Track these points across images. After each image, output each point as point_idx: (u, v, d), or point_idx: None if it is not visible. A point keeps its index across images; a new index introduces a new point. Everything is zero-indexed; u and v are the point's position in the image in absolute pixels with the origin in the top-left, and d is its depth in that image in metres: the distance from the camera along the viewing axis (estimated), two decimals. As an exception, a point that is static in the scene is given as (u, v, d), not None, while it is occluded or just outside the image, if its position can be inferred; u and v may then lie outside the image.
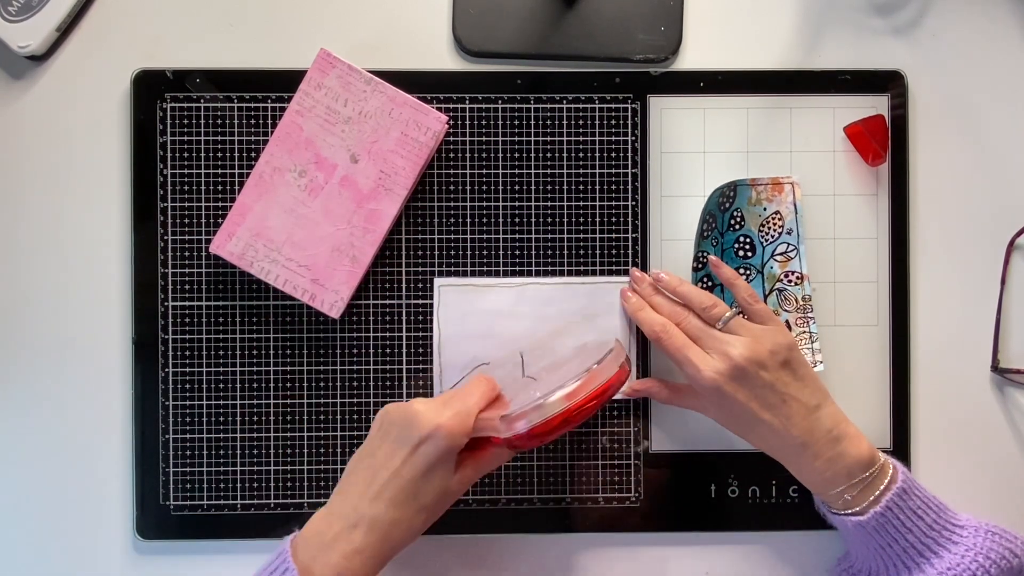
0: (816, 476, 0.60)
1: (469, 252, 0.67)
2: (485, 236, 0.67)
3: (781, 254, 0.66)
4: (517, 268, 0.67)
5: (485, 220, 0.67)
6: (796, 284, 0.66)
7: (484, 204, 0.67)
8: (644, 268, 0.67)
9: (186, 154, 0.67)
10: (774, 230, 0.66)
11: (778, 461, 0.61)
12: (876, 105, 0.68)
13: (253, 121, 0.67)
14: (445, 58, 0.68)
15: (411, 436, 0.55)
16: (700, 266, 0.66)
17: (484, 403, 0.58)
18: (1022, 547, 0.59)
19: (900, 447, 0.67)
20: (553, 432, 0.56)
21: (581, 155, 0.67)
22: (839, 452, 0.59)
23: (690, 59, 0.68)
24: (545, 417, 0.55)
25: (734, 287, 0.63)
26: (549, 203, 0.67)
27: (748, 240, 0.67)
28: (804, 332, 0.66)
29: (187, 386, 0.66)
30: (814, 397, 0.60)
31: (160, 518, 0.66)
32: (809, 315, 0.66)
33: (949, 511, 0.60)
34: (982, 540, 0.58)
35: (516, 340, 0.67)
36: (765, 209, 0.67)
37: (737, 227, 0.67)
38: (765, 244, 0.67)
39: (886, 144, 0.67)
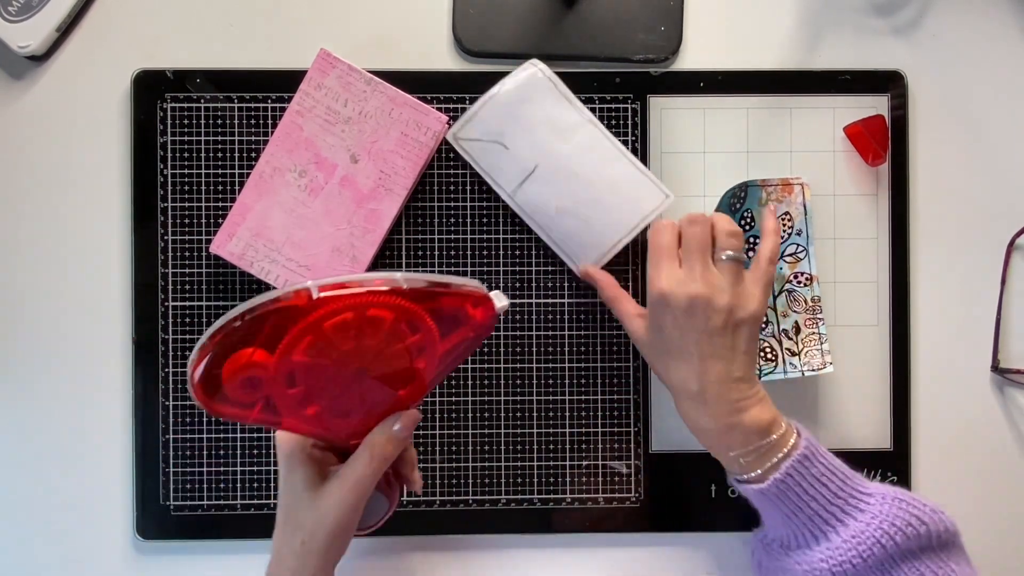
0: (710, 435, 0.58)
1: (469, 252, 0.67)
2: (485, 236, 0.67)
3: (791, 255, 0.66)
4: (517, 268, 0.67)
5: (485, 220, 0.67)
6: (805, 285, 0.66)
7: (484, 204, 0.67)
8: (644, 268, 0.67)
9: (186, 154, 0.66)
10: (784, 231, 0.66)
11: (678, 413, 0.60)
12: (876, 105, 0.68)
13: (253, 121, 0.67)
14: (445, 58, 0.68)
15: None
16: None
17: None
18: (930, 514, 0.57)
19: (900, 447, 0.67)
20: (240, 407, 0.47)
21: (581, 155, 0.67)
22: (737, 420, 0.57)
23: (690, 59, 0.68)
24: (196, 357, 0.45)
25: (765, 239, 0.61)
26: (549, 203, 0.67)
27: (758, 241, 0.66)
28: (814, 333, 0.66)
29: (187, 386, 0.66)
30: (740, 371, 0.58)
31: (160, 518, 0.66)
32: (818, 316, 0.66)
33: (856, 478, 0.58)
34: (888, 507, 0.56)
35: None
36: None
37: (748, 228, 0.66)
38: None
39: (886, 144, 0.67)
